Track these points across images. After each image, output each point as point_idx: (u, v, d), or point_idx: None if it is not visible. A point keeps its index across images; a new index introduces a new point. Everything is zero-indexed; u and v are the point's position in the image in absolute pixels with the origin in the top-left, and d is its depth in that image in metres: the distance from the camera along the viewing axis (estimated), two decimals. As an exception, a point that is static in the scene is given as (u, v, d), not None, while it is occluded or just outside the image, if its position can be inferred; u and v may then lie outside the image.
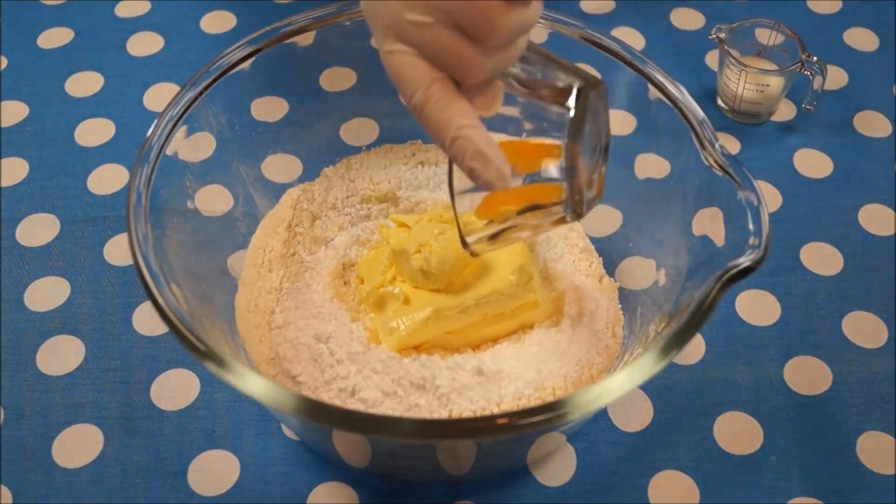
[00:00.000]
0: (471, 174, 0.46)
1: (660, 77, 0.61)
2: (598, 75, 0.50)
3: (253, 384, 0.48)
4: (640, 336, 0.59)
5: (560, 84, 0.49)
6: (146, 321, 0.67)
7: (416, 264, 0.60)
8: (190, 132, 0.61)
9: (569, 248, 0.67)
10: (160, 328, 0.67)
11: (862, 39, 0.86)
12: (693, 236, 0.58)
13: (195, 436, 0.62)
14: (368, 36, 0.67)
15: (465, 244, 0.54)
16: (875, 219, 0.73)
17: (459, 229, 0.54)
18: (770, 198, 0.74)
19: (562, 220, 0.52)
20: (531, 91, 0.49)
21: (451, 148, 0.46)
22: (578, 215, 0.51)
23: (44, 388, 0.64)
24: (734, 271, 0.52)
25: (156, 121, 0.59)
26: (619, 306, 0.65)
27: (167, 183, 0.58)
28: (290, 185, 0.71)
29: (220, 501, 0.59)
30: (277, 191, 0.70)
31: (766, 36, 0.78)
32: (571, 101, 0.48)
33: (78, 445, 0.61)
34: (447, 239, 0.60)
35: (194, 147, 0.62)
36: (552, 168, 0.49)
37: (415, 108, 0.46)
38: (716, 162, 0.56)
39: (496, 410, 0.57)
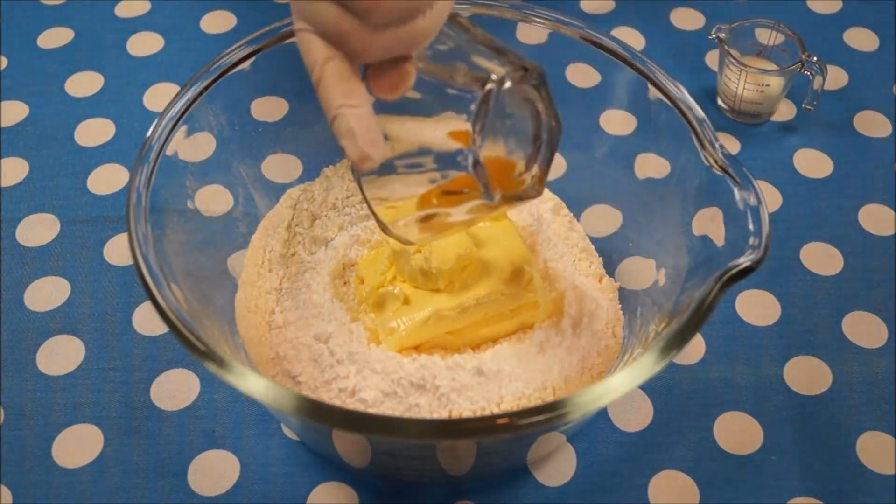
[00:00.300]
0: (343, 152, 0.47)
1: (660, 77, 0.61)
2: (535, 64, 0.49)
3: (253, 384, 0.48)
4: (640, 336, 0.59)
5: (480, 69, 0.48)
6: (146, 321, 0.67)
7: (416, 264, 0.60)
8: (190, 132, 0.61)
9: (569, 248, 0.67)
10: (160, 328, 0.67)
11: (862, 39, 0.86)
12: (693, 236, 0.58)
13: (195, 436, 0.62)
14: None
15: (385, 230, 0.54)
16: (875, 219, 0.73)
17: (376, 216, 0.53)
18: (770, 198, 0.74)
19: (484, 208, 0.51)
20: (448, 75, 0.49)
21: (331, 127, 0.47)
22: (493, 201, 0.50)
23: (44, 388, 0.64)
24: (734, 271, 0.52)
25: (156, 121, 0.59)
26: (619, 306, 0.65)
27: (167, 183, 0.58)
28: (290, 185, 0.71)
29: (220, 501, 0.59)
30: (277, 191, 0.70)
31: (766, 36, 0.78)
32: (484, 88, 0.47)
33: (78, 445, 0.61)
34: (447, 239, 0.60)
35: (194, 147, 0.62)
36: (459, 154, 0.49)
37: (314, 86, 0.47)
38: (716, 162, 0.56)
39: (496, 410, 0.57)
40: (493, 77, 0.47)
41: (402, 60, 0.47)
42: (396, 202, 0.53)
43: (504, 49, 0.49)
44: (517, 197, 0.52)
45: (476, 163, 0.48)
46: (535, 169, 0.52)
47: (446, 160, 0.50)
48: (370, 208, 0.53)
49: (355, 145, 0.46)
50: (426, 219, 0.53)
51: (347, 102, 0.46)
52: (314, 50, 0.46)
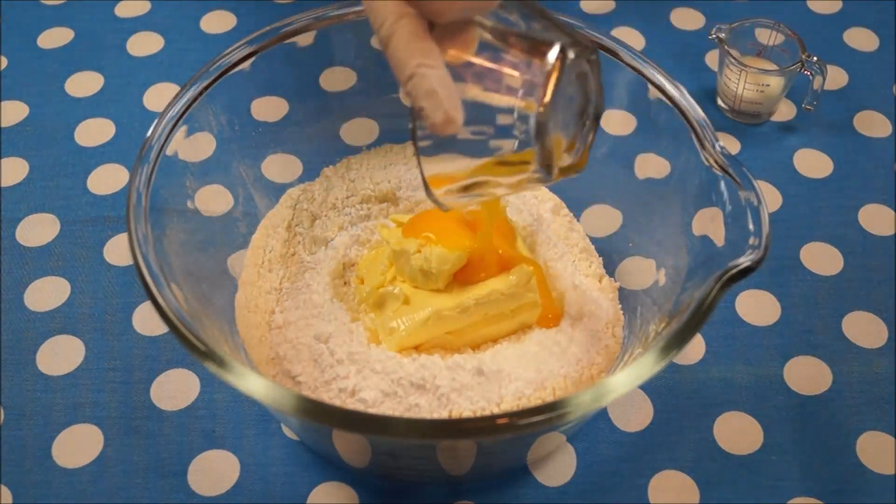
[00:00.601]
0: (421, 114, 0.45)
1: (660, 77, 0.61)
2: (591, 41, 0.48)
3: (253, 384, 0.48)
4: (640, 336, 0.59)
5: (542, 39, 0.47)
6: (146, 321, 0.67)
7: (416, 264, 0.60)
8: (190, 132, 0.61)
9: (569, 248, 0.67)
10: (160, 328, 0.67)
11: (862, 39, 0.86)
12: (693, 236, 0.58)
13: (195, 436, 0.62)
14: (369, 35, 0.67)
15: (428, 193, 0.53)
16: (875, 219, 0.73)
17: (424, 179, 0.52)
18: (770, 198, 0.74)
19: (534, 181, 0.51)
20: (510, 42, 0.48)
21: (406, 86, 0.45)
22: (549, 175, 0.50)
23: (44, 388, 0.64)
24: (734, 271, 0.52)
25: (156, 121, 0.59)
26: (619, 306, 0.65)
27: (167, 183, 0.58)
28: (290, 185, 0.71)
29: (220, 501, 0.59)
30: (277, 191, 0.70)
31: (766, 36, 0.78)
32: (551, 57, 0.46)
33: (78, 445, 0.61)
34: (447, 239, 0.60)
35: (194, 147, 0.62)
36: (522, 123, 0.48)
37: (381, 42, 0.46)
38: (716, 162, 0.56)
39: (496, 410, 0.57)
40: (559, 47, 0.46)
41: (467, 24, 0.46)
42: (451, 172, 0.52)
43: (560, 22, 0.48)
44: (571, 170, 0.51)
45: (540, 133, 0.47)
46: (580, 145, 0.51)
47: (508, 131, 0.48)
48: (421, 172, 0.51)
49: (440, 107, 0.44)
50: (470, 187, 0.52)
51: (426, 62, 0.44)
52: (387, 5, 0.45)
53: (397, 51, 0.45)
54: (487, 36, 0.48)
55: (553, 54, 0.47)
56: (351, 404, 0.57)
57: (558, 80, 0.47)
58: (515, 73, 0.48)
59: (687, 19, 0.88)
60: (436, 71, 0.45)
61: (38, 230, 0.72)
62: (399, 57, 0.45)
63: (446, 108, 0.45)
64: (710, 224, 0.56)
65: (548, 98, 0.47)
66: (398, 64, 0.45)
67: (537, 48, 0.47)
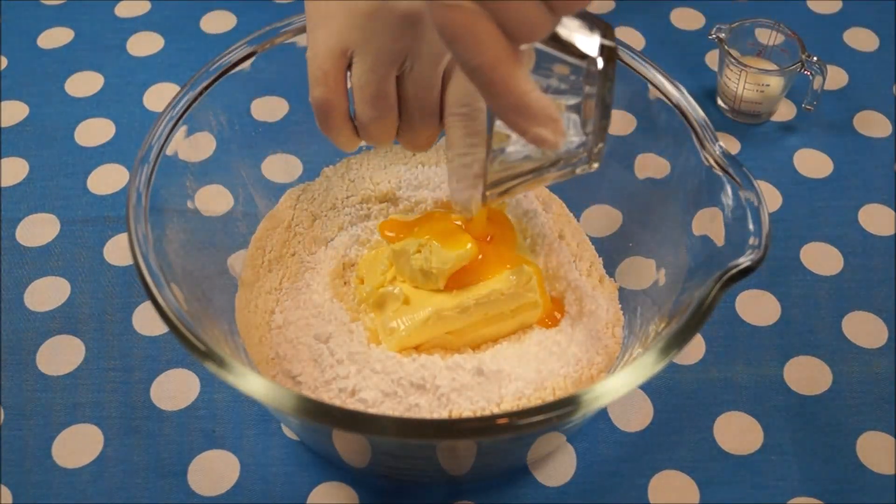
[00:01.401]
0: (536, 138, 0.45)
1: (660, 77, 0.61)
2: (606, 23, 0.48)
3: (253, 384, 0.48)
4: (640, 336, 0.59)
5: (584, 38, 0.47)
6: (146, 321, 0.67)
7: (416, 264, 0.60)
8: (190, 132, 0.61)
9: (568, 248, 0.67)
10: (160, 328, 0.67)
11: (862, 39, 0.86)
12: (693, 236, 0.58)
13: (195, 436, 0.62)
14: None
15: (484, 197, 0.53)
16: (875, 219, 0.73)
17: (485, 181, 0.52)
18: (770, 198, 0.74)
19: (571, 173, 0.52)
20: (556, 45, 0.47)
21: (513, 112, 0.44)
22: (592, 166, 0.51)
23: (44, 388, 0.64)
24: (734, 271, 0.52)
25: (156, 121, 0.59)
26: (619, 306, 0.65)
27: (167, 183, 0.58)
28: (290, 185, 0.70)
29: (220, 501, 0.59)
30: (277, 191, 0.70)
31: (766, 36, 0.78)
32: (598, 58, 0.47)
33: (78, 445, 0.61)
34: (447, 239, 0.60)
35: (194, 147, 0.62)
36: (573, 127, 0.49)
37: (476, 68, 0.44)
38: (716, 162, 0.56)
39: (496, 410, 0.57)
40: (604, 42, 0.46)
41: None
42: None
43: (586, 13, 0.48)
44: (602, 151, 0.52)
45: (601, 129, 0.48)
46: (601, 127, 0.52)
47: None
48: (485, 176, 0.51)
49: (559, 130, 0.45)
50: (508, 189, 0.53)
51: (532, 87, 0.44)
52: (484, 29, 0.43)
53: (507, 77, 0.43)
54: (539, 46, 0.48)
55: (597, 53, 0.47)
56: (351, 404, 0.57)
57: (612, 77, 0.47)
58: (565, 76, 0.48)
59: (687, 19, 0.88)
60: (541, 94, 0.45)
61: (38, 230, 0.72)
62: (509, 83, 0.44)
63: (563, 130, 0.45)
64: (710, 224, 0.56)
65: (602, 96, 0.48)
66: (506, 90, 0.44)
67: (584, 50, 0.47)
